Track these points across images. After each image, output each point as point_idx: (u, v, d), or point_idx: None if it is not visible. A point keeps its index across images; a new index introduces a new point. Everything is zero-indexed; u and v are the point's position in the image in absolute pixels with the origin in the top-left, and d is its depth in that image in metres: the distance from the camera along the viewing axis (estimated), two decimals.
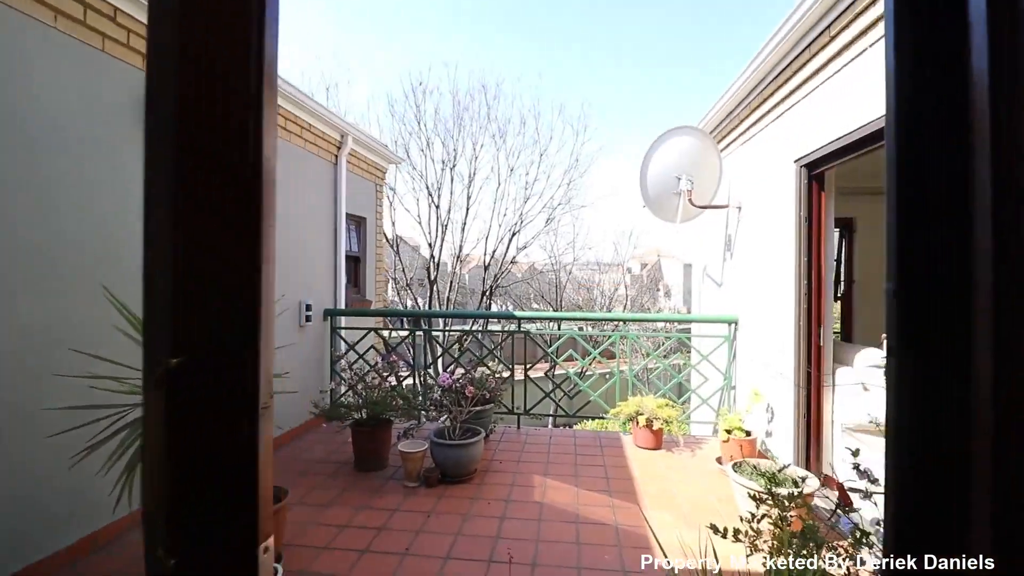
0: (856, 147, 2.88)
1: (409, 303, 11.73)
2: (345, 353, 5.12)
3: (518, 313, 4.71)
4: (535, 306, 20.88)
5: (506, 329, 4.96)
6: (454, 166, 10.74)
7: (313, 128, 4.84)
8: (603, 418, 4.72)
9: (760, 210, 4.02)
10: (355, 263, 6.03)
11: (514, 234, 11.73)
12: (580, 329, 6.11)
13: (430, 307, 11.28)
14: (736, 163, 4.56)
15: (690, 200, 4.47)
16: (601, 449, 4.25)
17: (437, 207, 10.68)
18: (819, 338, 3.34)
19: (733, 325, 4.50)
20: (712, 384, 4.66)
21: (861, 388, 3.47)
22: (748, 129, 4.17)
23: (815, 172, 3.33)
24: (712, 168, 4.59)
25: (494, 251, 11.76)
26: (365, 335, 5.00)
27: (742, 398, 4.25)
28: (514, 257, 12.21)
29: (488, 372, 4.32)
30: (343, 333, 5.22)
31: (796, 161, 3.43)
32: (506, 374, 5.05)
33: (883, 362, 3.52)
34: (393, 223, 11.52)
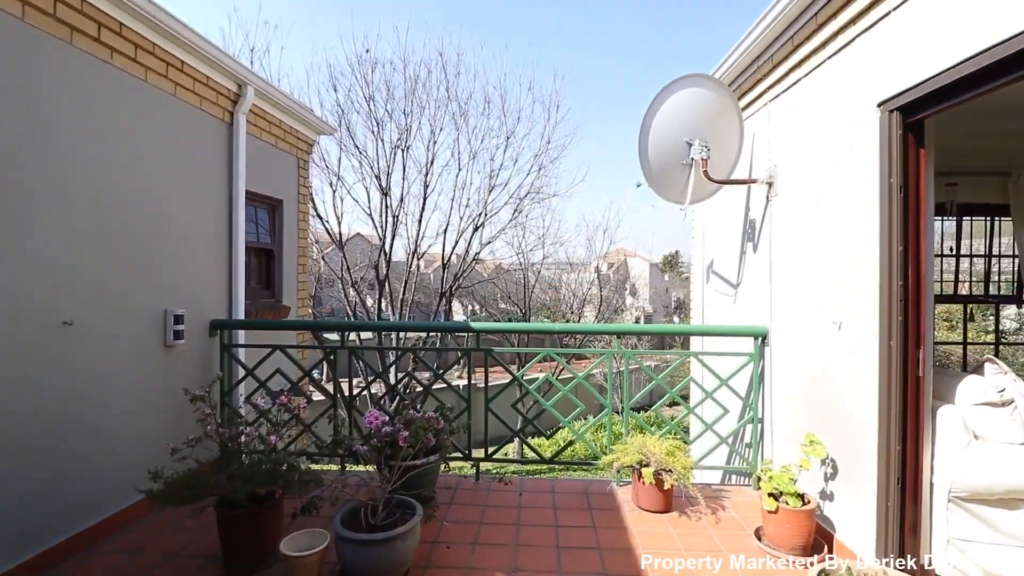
0: (994, 75, 1.80)
1: (361, 313, 10.27)
2: (241, 380, 3.77)
3: (476, 324, 3.49)
4: (501, 306, 19.65)
5: (462, 346, 3.73)
6: (407, 147, 9.40)
7: (189, 69, 3.46)
8: (591, 465, 3.55)
9: (808, 183, 2.93)
10: (266, 258, 4.66)
11: (477, 228, 10.47)
12: (556, 342, 4.96)
13: (379, 311, 9.85)
14: (767, 124, 3.47)
15: (705, 173, 3.35)
16: (591, 513, 3.08)
17: (386, 194, 9.29)
18: (919, 364, 2.26)
19: (760, 340, 3.41)
20: (725, 414, 3.56)
21: (968, 435, 2.41)
22: (791, 71, 3.07)
23: (913, 119, 2.24)
24: (730, 132, 3.49)
25: (454, 246, 10.47)
26: (269, 354, 3.66)
27: (780, 442, 3.16)
28: (477, 253, 10.94)
29: (438, 409, 3.08)
30: (241, 353, 3.86)
31: (882, 104, 2.34)
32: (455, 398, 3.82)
33: (999, 397, 2.47)
34: (339, 217, 10.07)
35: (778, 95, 3.28)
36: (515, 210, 10.85)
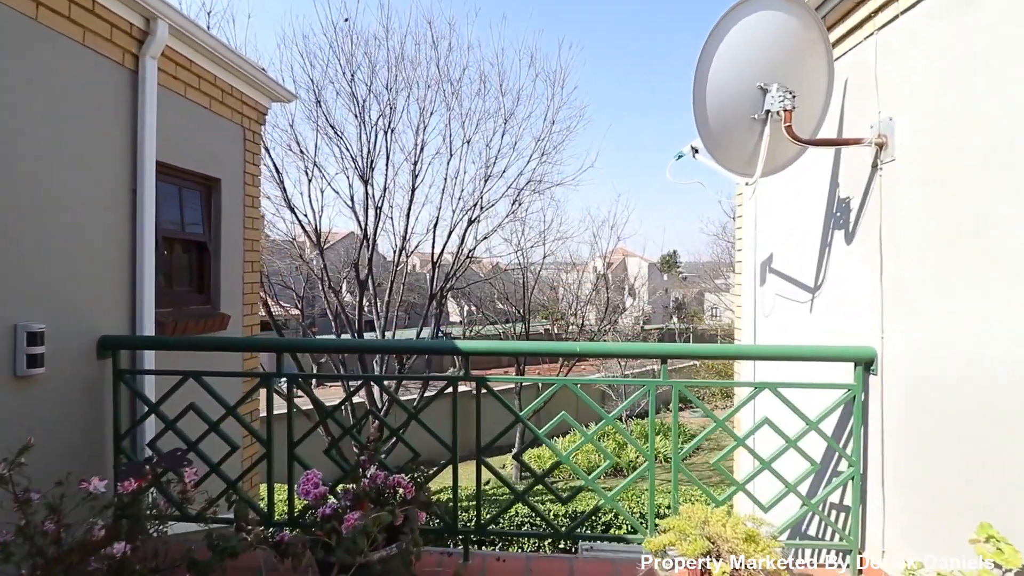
0: None
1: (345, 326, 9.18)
2: (141, 420, 2.76)
3: (463, 344, 2.49)
4: (499, 307, 18.59)
5: (447, 374, 2.73)
6: (391, 129, 8.37)
7: None
8: (626, 541, 2.57)
9: (968, 140, 1.94)
10: (198, 253, 3.64)
11: (471, 222, 9.45)
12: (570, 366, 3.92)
13: (361, 317, 8.80)
14: (871, 62, 2.48)
15: (788, 130, 2.37)
16: None
17: (366, 182, 8.25)
18: None
19: (861, 368, 2.42)
20: (812, 471, 2.57)
21: None
22: None
23: None
24: (816, 76, 2.52)
25: (446, 243, 9.45)
26: (179, 384, 2.65)
27: (898, 513, 2.17)
28: (472, 250, 9.91)
29: (409, 470, 2.10)
30: (149, 383, 2.86)
31: None
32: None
33: None
34: (317, 210, 9.03)
35: (897, 16, 2.29)
36: (514, 201, 9.84)
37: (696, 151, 3.05)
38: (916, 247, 2.16)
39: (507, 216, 10.01)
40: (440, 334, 13.69)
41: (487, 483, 10.13)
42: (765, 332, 3.46)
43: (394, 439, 2.59)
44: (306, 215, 8.96)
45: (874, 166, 2.42)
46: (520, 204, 10.06)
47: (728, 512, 2.19)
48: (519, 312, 15.05)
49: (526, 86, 13.65)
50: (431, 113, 8.98)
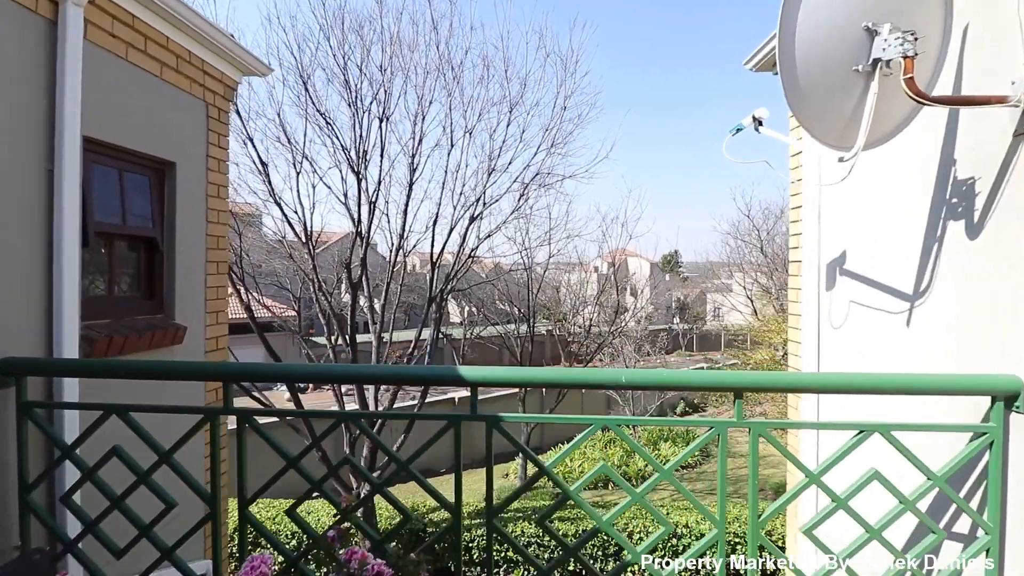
0: None
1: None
2: (53, 467, 2.15)
3: (468, 372, 1.88)
4: (501, 307, 17.90)
5: (447, 410, 2.13)
6: (386, 118, 7.73)
7: None
8: None
9: None
10: (146, 252, 3.02)
11: (473, 219, 8.82)
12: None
13: (352, 323, 8.14)
14: (1017, 2, 1.88)
15: (908, 83, 1.76)
16: None
17: (357, 173, 7.60)
18: None
19: (1001, 404, 1.80)
20: (939, 540, 1.95)
21: None
22: None
23: None
24: (929, 15, 1.92)
25: (446, 242, 8.83)
26: (98, 422, 2.04)
27: None
28: (474, 249, 9.27)
29: (395, 561, 1.50)
30: (68, 420, 2.25)
31: None
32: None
33: None
34: (308, 207, 8.40)
35: None
36: (520, 196, 9.18)
37: (760, 122, 2.44)
38: None
39: (512, 212, 9.36)
40: (440, 336, 13.08)
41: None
42: (835, 348, 2.85)
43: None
44: (296, 212, 8.35)
45: (1018, 134, 1.81)
46: (527, 199, 9.41)
47: None
48: (521, 313, 14.44)
49: (534, 71, 12.95)
50: (430, 102, 8.37)
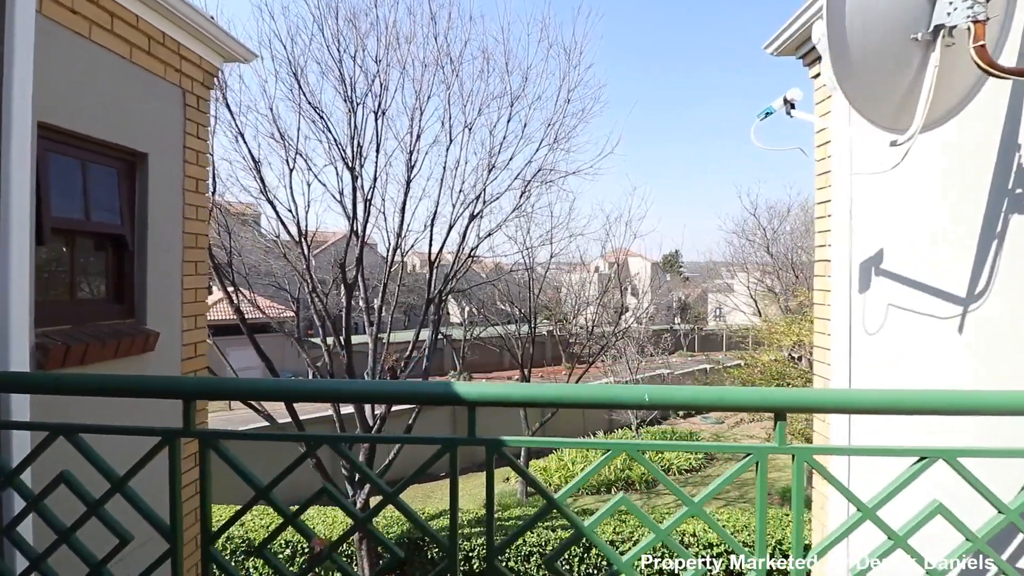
0: None
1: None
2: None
3: (466, 390, 1.62)
4: (501, 307, 17.61)
5: (444, 437, 1.85)
6: (382, 112, 7.47)
7: None
8: None
9: None
10: (114, 252, 2.76)
11: (473, 217, 8.56)
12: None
13: (348, 326, 7.87)
14: None
15: (979, 51, 1.50)
16: None
17: (351, 169, 7.34)
18: None
19: None
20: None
21: None
22: None
23: None
24: None
25: (444, 241, 8.57)
26: (45, 440, 1.79)
27: None
28: (474, 249, 9.02)
29: None
30: (21, 440, 2.01)
31: None
32: None
33: None
34: (303, 206, 8.12)
35: None
36: (521, 194, 8.92)
37: (792, 105, 2.18)
38: None
39: (513, 210, 9.10)
40: (440, 336, 12.82)
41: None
42: (869, 355, 2.59)
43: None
44: (290, 210, 8.08)
45: None
46: (528, 196, 9.15)
47: None
48: (522, 313, 14.17)
49: (536, 63, 12.65)
50: (428, 96, 8.11)
